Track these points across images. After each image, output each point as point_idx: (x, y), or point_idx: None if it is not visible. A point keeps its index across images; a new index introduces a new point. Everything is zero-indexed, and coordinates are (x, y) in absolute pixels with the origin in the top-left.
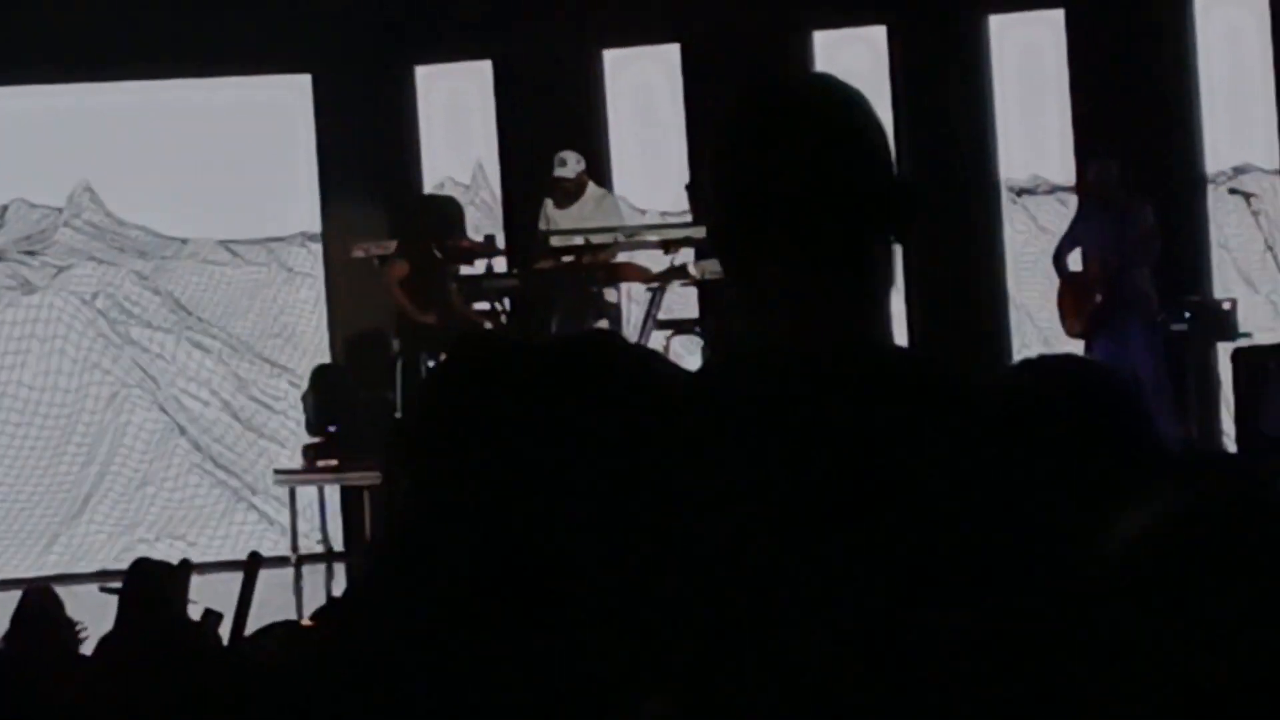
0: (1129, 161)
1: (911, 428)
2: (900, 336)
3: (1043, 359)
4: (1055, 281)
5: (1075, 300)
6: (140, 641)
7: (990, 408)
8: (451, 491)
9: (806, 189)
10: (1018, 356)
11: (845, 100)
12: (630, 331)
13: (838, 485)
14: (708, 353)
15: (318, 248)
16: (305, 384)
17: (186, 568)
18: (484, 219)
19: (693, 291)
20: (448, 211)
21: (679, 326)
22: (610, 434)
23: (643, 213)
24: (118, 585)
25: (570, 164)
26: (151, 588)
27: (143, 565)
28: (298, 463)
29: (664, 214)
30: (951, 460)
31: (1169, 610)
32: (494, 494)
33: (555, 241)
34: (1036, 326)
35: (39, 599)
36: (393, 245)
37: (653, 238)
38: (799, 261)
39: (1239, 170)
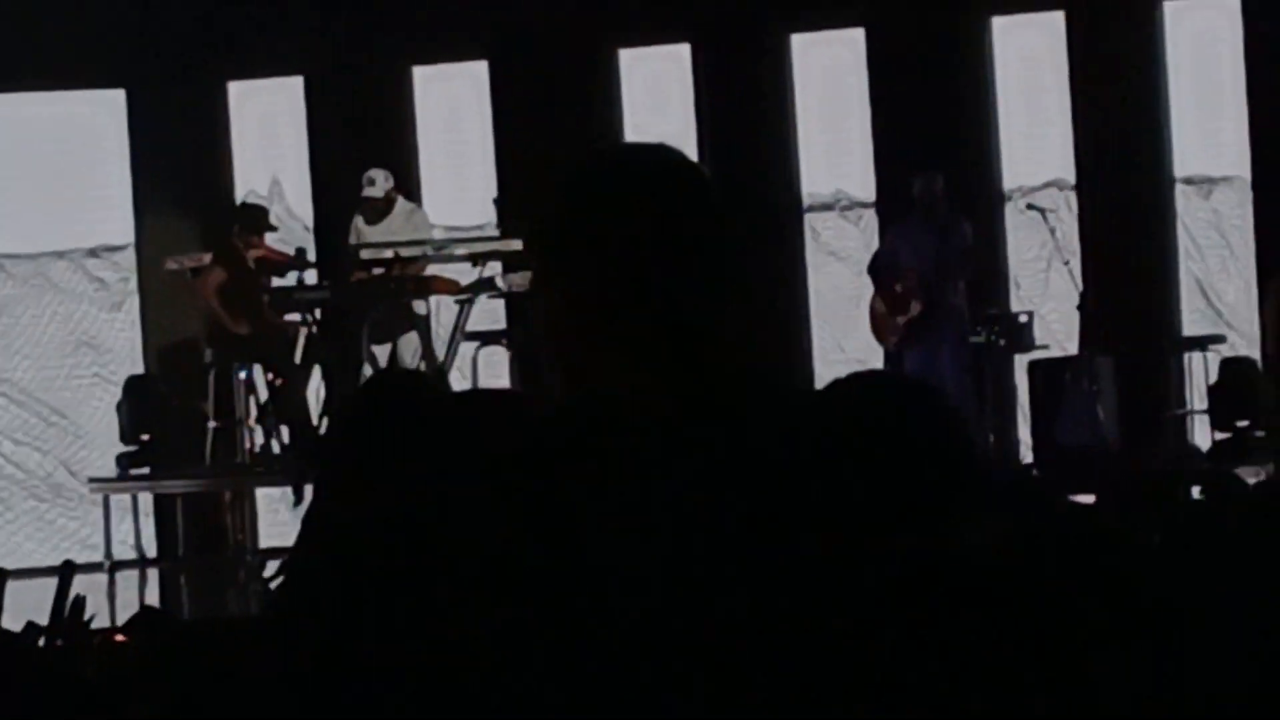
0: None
1: (750, 447)
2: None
3: (859, 376)
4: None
5: (890, 311)
6: None
7: (822, 424)
8: (363, 509)
9: (650, 254)
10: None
11: (676, 166)
12: (439, 343)
13: (691, 512)
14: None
15: (130, 259)
16: (119, 393)
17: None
18: (285, 232)
19: (500, 304)
20: (257, 215)
21: (487, 338)
22: (497, 468)
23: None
24: None
25: (379, 183)
26: None
27: None
28: (112, 471)
29: (472, 228)
30: (784, 477)
31: (1004, 625)
32: (401, 513)
33: (365, 254)
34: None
35: None
36: (205, 258)
37: (461, 251)
38: (641, 323)
39: (1033, 189)
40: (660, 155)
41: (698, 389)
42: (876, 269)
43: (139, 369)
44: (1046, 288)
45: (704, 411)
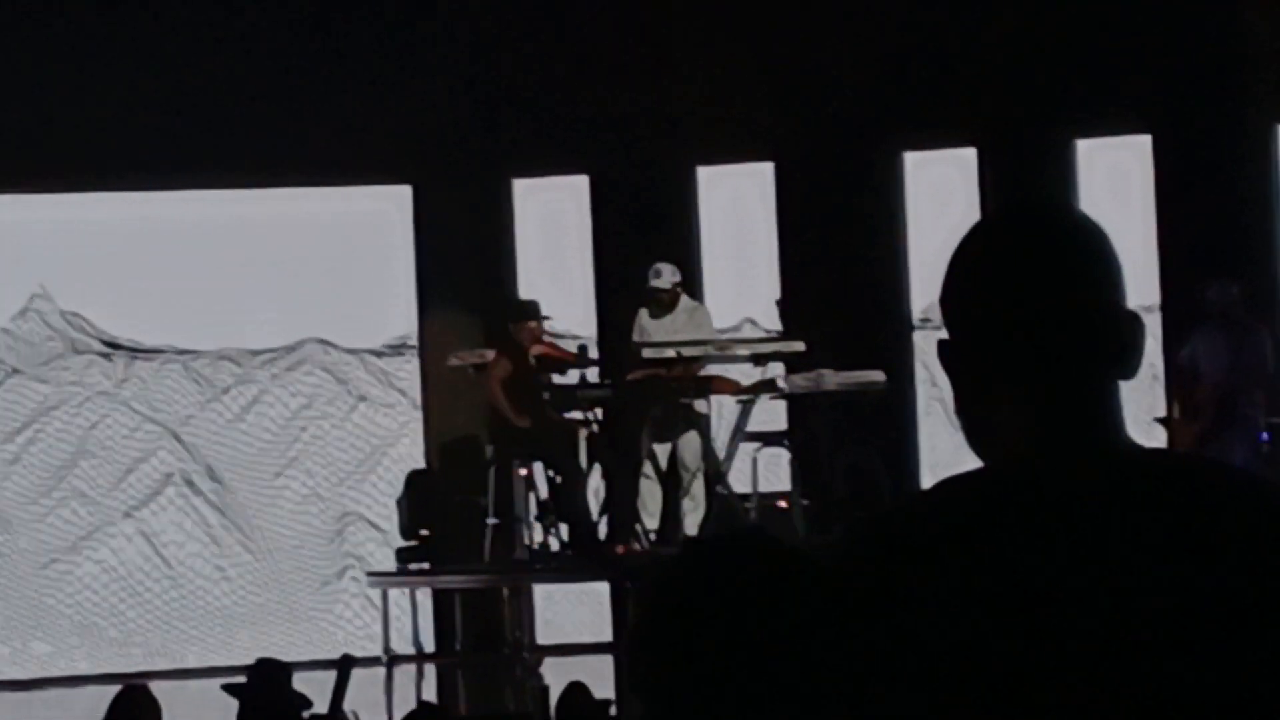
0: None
1: (1200, 528)
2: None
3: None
4: None
5: (1184, 414)
6: None
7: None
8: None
9: (1054, 319)
10: None
11: (1089, 231)
12: (719, 444)
13: (1139, 594)
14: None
15: (414, 356)
16: (400, 489)
17: (286, 668)
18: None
19: (781, 405)
20: (531, 309)
21: (767, 439)
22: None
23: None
24: (240, 681)
25: (665, 275)
26: (274, 687)
27: (266, 665)
28: (391, 565)
29: (753, 327)
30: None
31: None
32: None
33: (647, 353)
34: None
35: (133, 697)
36: (488, 354)
37: (743, 351)
38: (1041, 385)
39: None
40: (1064, 215)
41: (1103, 459)
42: (1179, 372)
43: (419, 464)
44: None
45: (1127, 482)
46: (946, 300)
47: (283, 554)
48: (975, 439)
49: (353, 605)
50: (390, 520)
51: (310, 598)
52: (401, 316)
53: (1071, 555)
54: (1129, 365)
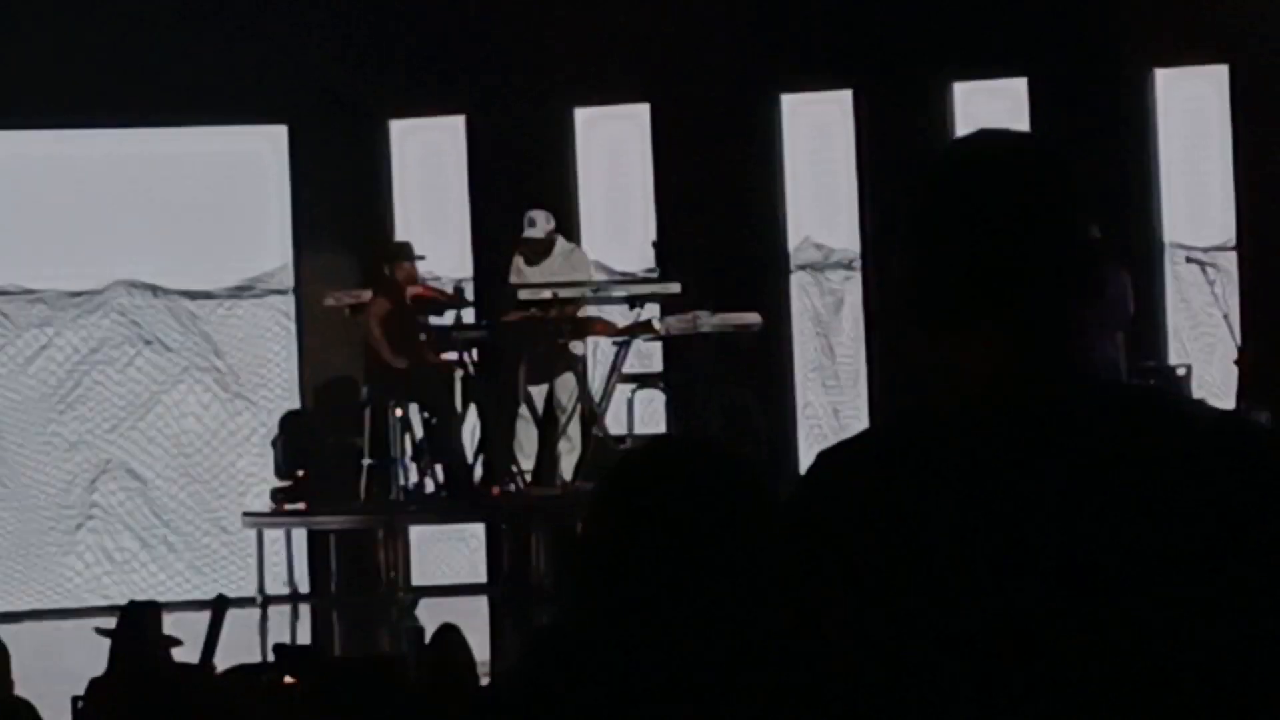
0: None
1: (1149, 451)
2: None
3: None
4: None
5: None
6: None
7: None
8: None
9: (1024, 250)
10: None
11: (1050, 159)
12: (595, 385)
13: (1088, 514)
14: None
15: (289, 295)
16: (274, 429)
17: (156, 608)
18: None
19: (657, 346)
20: (406, 250)
21: (644, 380)
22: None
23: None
24: (110, 627)
25: (540, 224)
26: (142, 631)
27: (134, 609)
28: (266, 506)
29: (629, 270)
30: (1190, 479)
31: None
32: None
33: (524, 294)
34: None
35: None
36: (364, 295)
37: (620, 293)
38: (1005, 316)
39: (1190, 248)
40: (1028, 144)
41: (1063, 391)
42: None
43: (294, 405)
44: (1206, 342)
45: (1074, 416)
46: (911, 238)
47: (35, 501)
48: (932, 380)
49: (85, 557)
50: (154, 469)
51: (50, 545)
52: (275, 257)
53: (1035, 485)
54: (1091, 292)
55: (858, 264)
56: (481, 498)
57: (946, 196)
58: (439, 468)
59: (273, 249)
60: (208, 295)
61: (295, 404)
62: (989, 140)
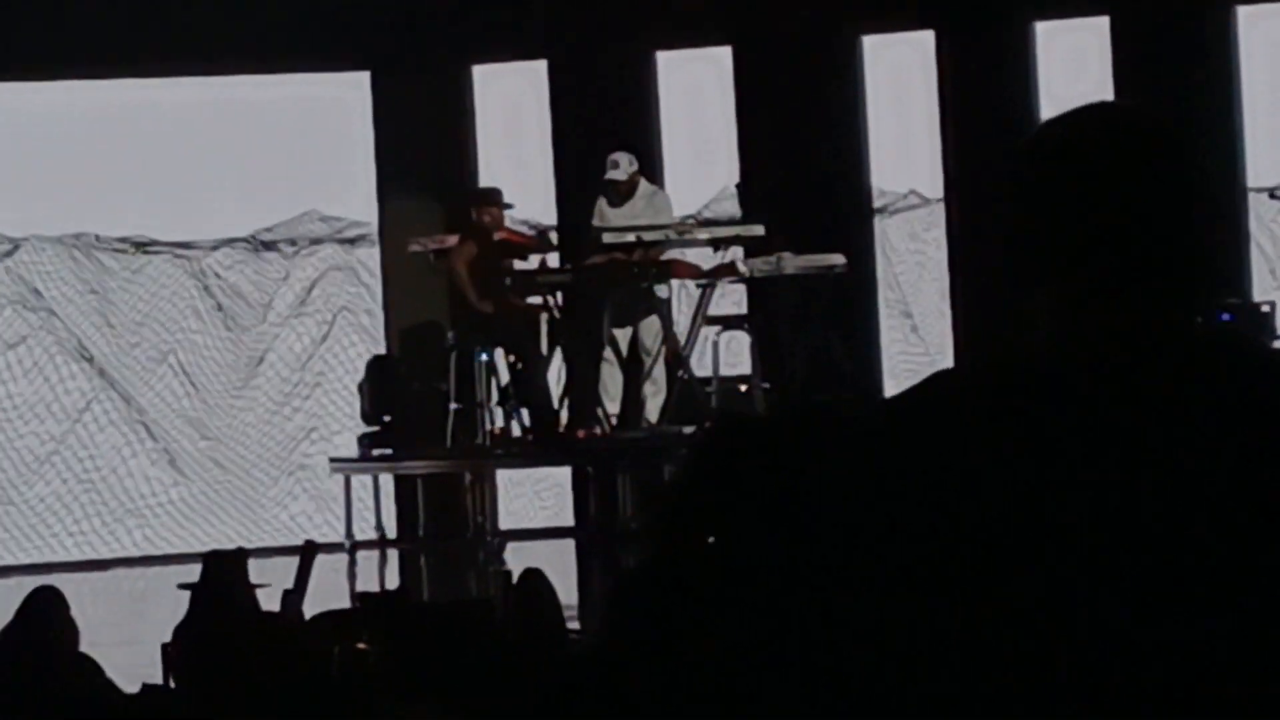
0: None
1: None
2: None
3: None
4: None
5: None
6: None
7: None
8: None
9: (1137, 221)
10: None
11: (1174, 135)
12: (680, 327)
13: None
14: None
15: (374, 241)
16: (361, 374)
17: (242, 554)
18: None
19: (742, 289)
20: (495, 196)
21: (728, 323)
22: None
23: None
24: (192, 581)
25: (623, 165)
26: (225, 580)
27: (216, 556)
28: (353, 451)
29: (713, 212)
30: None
31: None
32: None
33: (607, 238)
34: None
35: (45, 596)
36: (449, 240)
37: (703, 235)
38: (1110, 267)
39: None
40: (1145, 117)
41: (1147, 346)
42: None
43: (381, 350)
44: None
45: (1160, 368)
46: (1017, 191)
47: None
48: (1020, 331)
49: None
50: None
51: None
52: (362, 203)
53: (1109, 443)
54: (1201, 277)
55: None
56: (567, 442)
57: (1053, 158)
58: (525, 412)
59: (357, 195)
60: (290, 242)
61: (381, 349)
62: (1106, 109)
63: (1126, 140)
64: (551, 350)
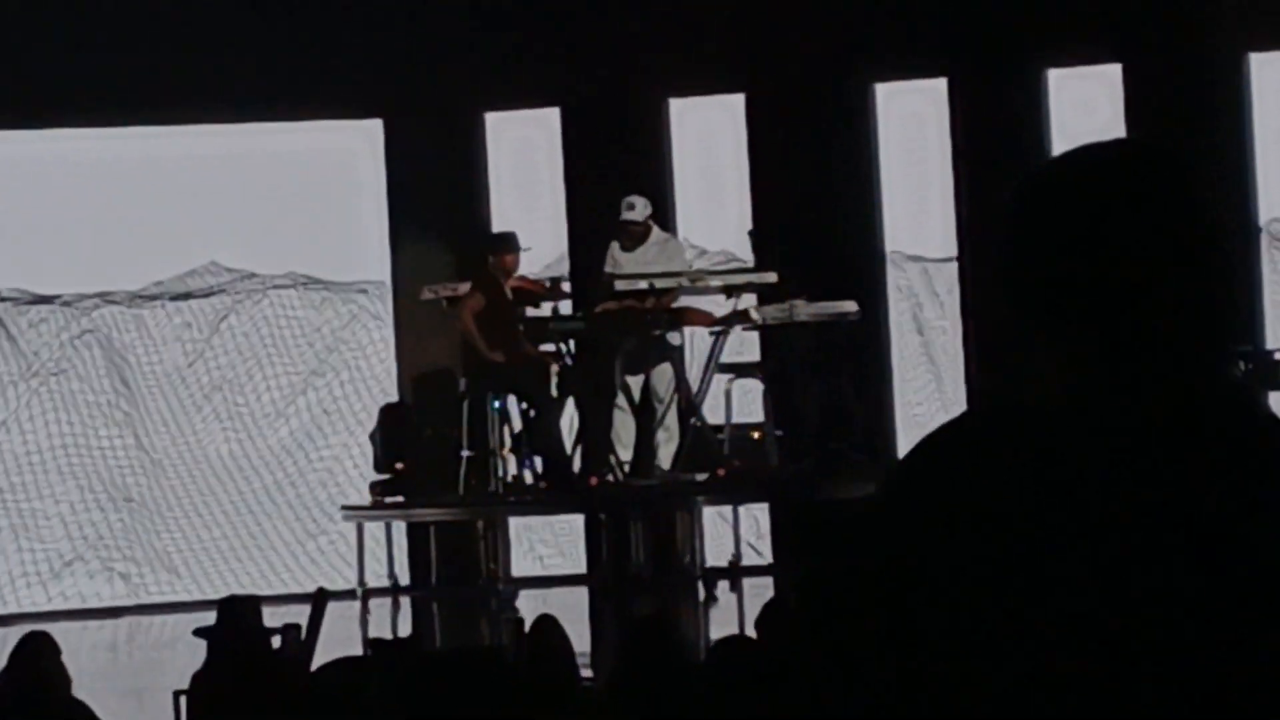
0: None
1: (1241, 470)
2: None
3: None
4: None
5: None
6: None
7: None
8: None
9: (1141, 261)
10: None
11: (1184, 175)
12: (693, 375)
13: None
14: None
15: (386, 289)
16: (373, 422)
17: (255, 601)
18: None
19: (754, 336)
20: (509, 241)
21: (740, 370)
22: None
23: (703, 252)
24: (208, 626)
25: (639, 208)
26: (243, 625)
27: (232, 602)
28: (365, 499)
29: (726, 259)
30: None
31: None
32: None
33: (620, 285)
34: None
35: (36, 642)
36: (461, 287)
37: (716, 282)
38: (1118, 325)
39: None
40: (1134, 152)
41: (1143, 402)
42: None
43: (393, 398)
44: None
45: (1146, 426)
46: (1012, 240)
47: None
48: (1022, 378)
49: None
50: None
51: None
52: (375, 251)
53: (1106, 494)
54: (1205, 308)
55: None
56: (580, 489)
57: (1048, 203)
58: (537, 459)
59: (369, 243)
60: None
61: (393, 397)
62: (1103, 149)
63: (1132, 182)
64: (564, 397)
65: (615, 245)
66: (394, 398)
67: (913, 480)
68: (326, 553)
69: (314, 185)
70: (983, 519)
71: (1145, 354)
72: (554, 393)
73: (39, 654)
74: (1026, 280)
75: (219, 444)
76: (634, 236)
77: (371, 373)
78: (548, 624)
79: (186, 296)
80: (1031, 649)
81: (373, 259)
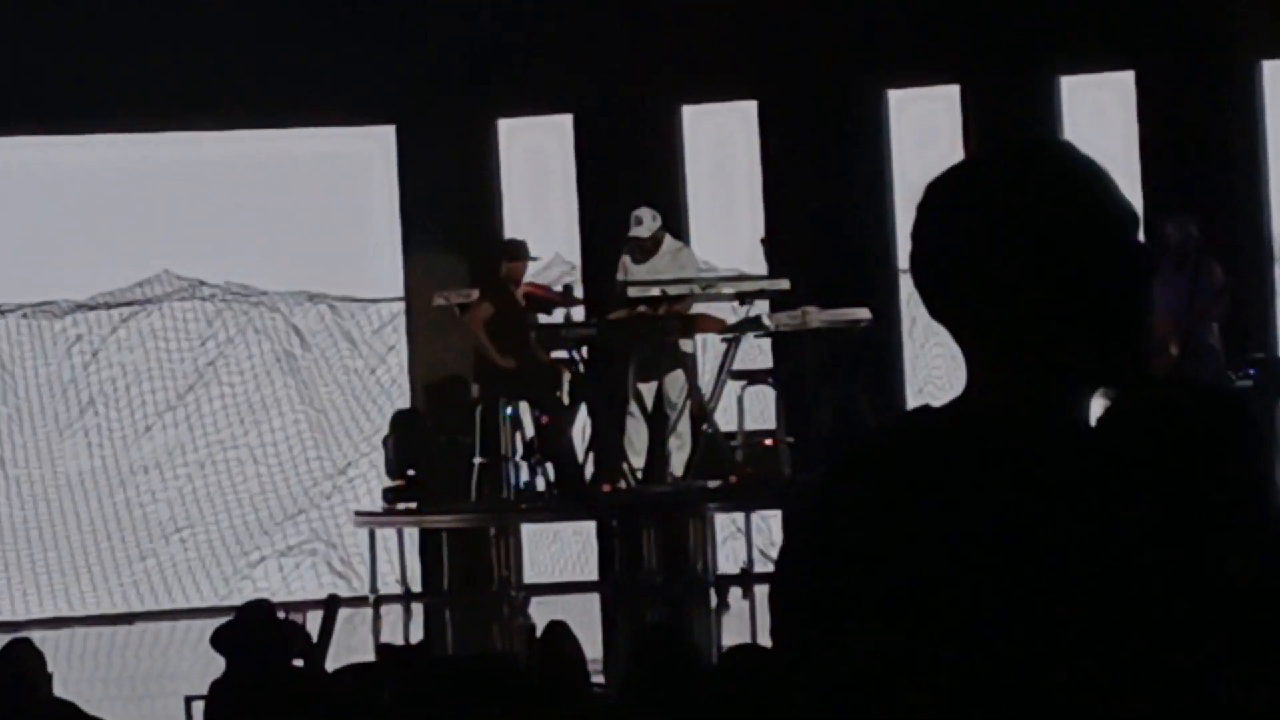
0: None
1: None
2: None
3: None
4: None
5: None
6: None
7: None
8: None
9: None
10: None
11: (1032, 180)
12: (705, 381)
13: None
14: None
15: (399, 295)
16: (385, 428)
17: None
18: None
19: (767, 343)
20: (520, 249)
21: (753, 377)
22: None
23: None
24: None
25: (646, 222)
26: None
27: (250, 609)
28: (377, 505)
29: (738, 267)
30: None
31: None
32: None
33: (632, 292)
34: None
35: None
36: (473, 294)
37: (728, 289)
38: (974, 336)
39: None
40: (1019, 163)
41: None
42: None
43: (405, 404)
44: None
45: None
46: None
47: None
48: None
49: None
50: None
51: None
52: (387, 257)
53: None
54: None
55: None
56: (592, 495)
57: (927, 212)
58: (549, 466)
59: (382, 249)
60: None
61: (406, 403)
62: (987, 156)
63: (971, 190)
64: (576, 404)
65: (626, 257)
66: (407, 404)
67: (835, 485)
68: (153, 576)
69: (326, 191)
70: (903, 524)
71: (1010, 361)
72: (566, 400)
73: (20, 658)
74: (919, 284)
75: (81, 460)
76: (644, 250)
77: (384, 379)
78: (559, 630)
79: (130, 305)
80: (953, 649)
81: (386, 265)
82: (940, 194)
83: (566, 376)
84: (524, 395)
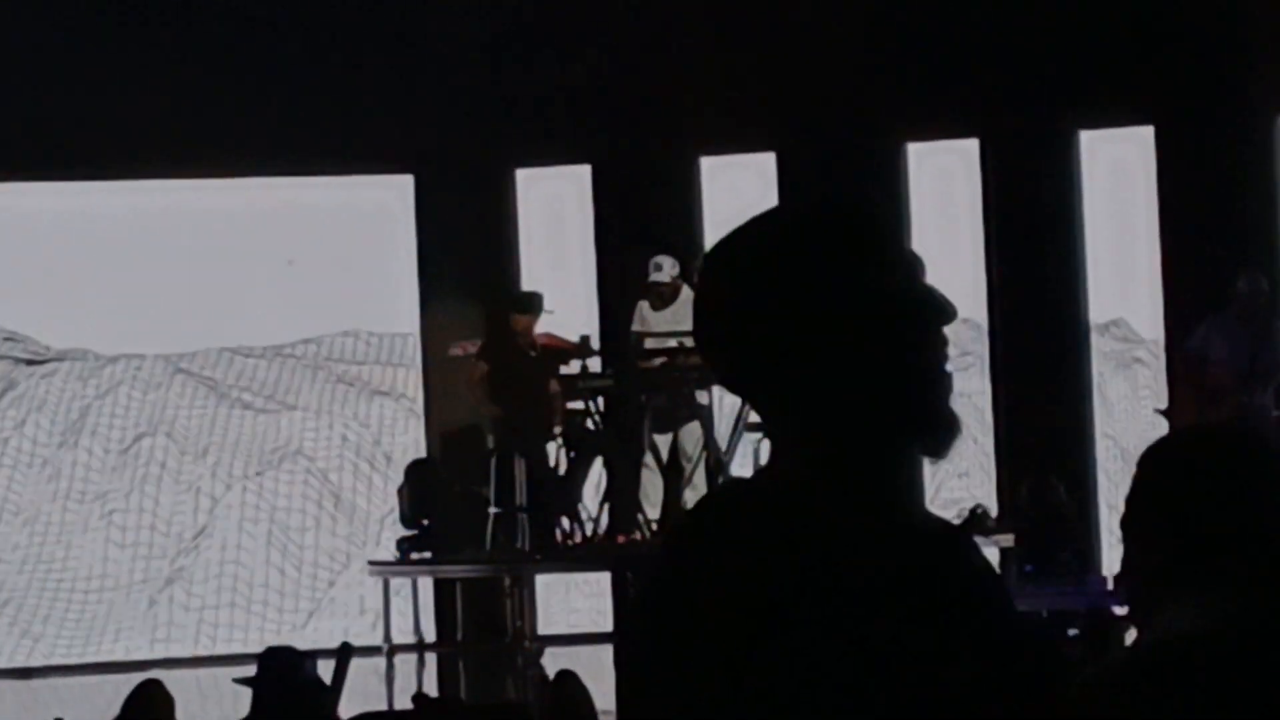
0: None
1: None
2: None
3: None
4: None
5: (1197, 397)
6: None
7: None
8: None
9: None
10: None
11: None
12: (721, 434)
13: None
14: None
15: (415, 346)
16: (401, 477)
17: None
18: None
19: None
20: (532, 302)
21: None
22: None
23: None
24: (250, 675)
25: (666, 268)
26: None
27: (273, 654)
28: (392, 554)
29: None
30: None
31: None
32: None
33: (649, 343)
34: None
35: (148, 691)
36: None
37: None
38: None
39: None
40: (747, 238)
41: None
42: (1187, 358)
43: (421, 453)
44: None
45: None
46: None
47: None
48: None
49: None
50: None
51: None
52: (405, 307)
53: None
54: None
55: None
56: (607, 547)
57: (709, 279)
58: (564, 518)
59: (399, 299)
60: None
61: (421, 453)
62: (762, 219)
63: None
64: (592, 456)
65: (644, 304)
66: (422, 454)
67: (662, 560)
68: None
69: (344, 241)
70: (734, 591)
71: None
72: (565, 453)
73: (151, 702)
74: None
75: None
76: (663, 297)
77: (400, 428)
78: (568, 679)
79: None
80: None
81: (403, 315)
82: (721, 260)
83: (558, 430)
84: (517, 448)
